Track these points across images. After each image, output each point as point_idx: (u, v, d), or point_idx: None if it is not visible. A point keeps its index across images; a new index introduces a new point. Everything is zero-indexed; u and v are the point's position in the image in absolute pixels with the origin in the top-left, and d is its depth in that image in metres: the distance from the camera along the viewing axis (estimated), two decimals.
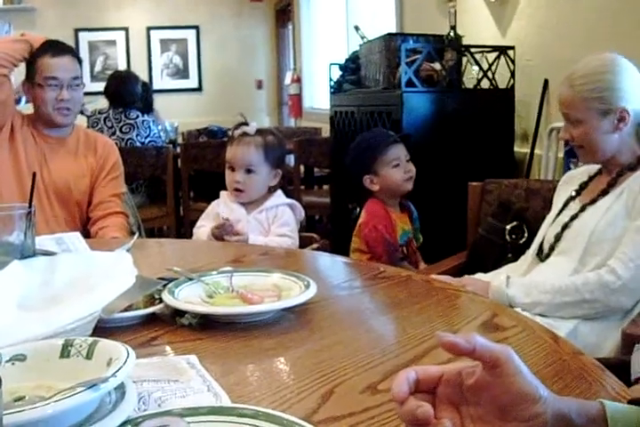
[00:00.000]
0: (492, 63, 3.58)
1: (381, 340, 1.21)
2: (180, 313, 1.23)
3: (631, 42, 2.76)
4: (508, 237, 2.41)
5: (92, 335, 1.09)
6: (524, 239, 2.39)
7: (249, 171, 2.36)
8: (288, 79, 8.73)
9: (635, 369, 1.43)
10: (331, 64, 4.50)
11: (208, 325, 1.21)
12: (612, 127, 1.90)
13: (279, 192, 2.44)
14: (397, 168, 2.65)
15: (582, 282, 1.85)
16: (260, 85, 9.55)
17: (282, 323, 1.24)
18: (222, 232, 2.24)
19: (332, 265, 1.87)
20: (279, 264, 1.70)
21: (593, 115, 1.90)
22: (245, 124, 2.42)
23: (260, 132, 2.41)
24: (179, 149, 5.07)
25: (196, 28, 9.19)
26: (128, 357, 0.83)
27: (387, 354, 1.09)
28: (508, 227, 2.41)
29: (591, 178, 2.08)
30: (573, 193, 2.10)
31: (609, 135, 1.91)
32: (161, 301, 1.27)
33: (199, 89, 9.33)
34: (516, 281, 1.97)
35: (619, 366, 1.41)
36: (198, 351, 1.08)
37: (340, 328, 1.24)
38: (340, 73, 4.35)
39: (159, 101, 6.07)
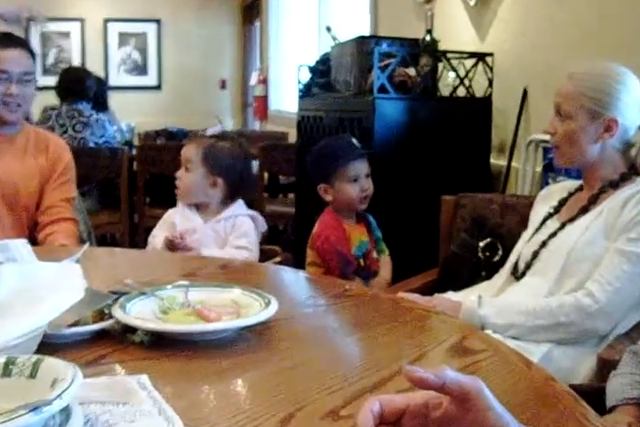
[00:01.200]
0: (470, 70, 3.62)
1: (345, 362, 1.22)
2: (131, 330, 1.22)
3: (614, 52, 2.81)
4: (481, 254, 2.43)
5: (36, 352, 1.08)
6: (497, 257, 2.41)
7: (186, 169, 2.43)
8: (254, 80, 8.73)
9: (610, 397, 1.46)
10: (300, 66, 4.51)
11: (161, 343, 1.20)
12: (596, 134, 1.94)
13: (240, 202, 2.46)
14: (354, 184, 2.60)
15: (558, 304, 1.88)
16: (223, 85, 9.55)
17: (240, 342, 1.24)
18: (173, 247, 2.26)
19: (294, 281, 1.88)
20: (238, 279, 1.70)
21: (583, 113, 1.94)
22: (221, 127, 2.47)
23: (218, 136, 2.45)
24: (135, 151, 5.05)
25: (158, 21, 9.17)
26: (74, 377, 0.82)
27: (350, 377, 1.10)
28: (482, 244, 2.43)
29: (571, 194, 2.12)
30: (552, 210, 2.13)
31: (592, 141, 1.95)
32: (111, 316, 1.26)
33: (158, 87, 9.30)
34: (488, 301, 1.98)
35: (593, 394, 1.43)
36: (150, 371, 1.07)
37: (302, 349, 1.25)
38: (310, 75, 4.37)
39: (115, 99, 6.04)
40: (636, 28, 2.76)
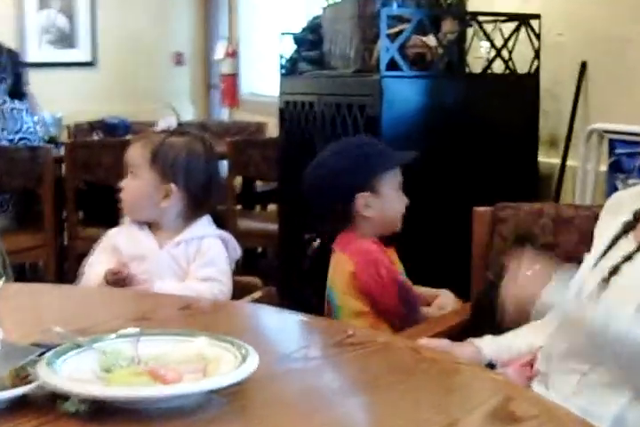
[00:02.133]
0: (509, 38, 3.64)
1: None
2: (63, 396, 1.22)
3: None
4: None
5: None
6: None
7: (132, 175, 2.45)
8: (220, 53, 8.73)
9: None
10: (282, 34, 4.53)
11: (103, 412, 1.21)
12: None
13: (205, 219, 2.46)
14: (401, 193, 2.66)
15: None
16: (179, 61, 9.54)
17: (208, 410, 1.24)
18: (116, 282, 2.26)
19: (280, 324, 1.88)
20: (205, 324, 1.70)
21: None
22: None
23: (170, 131, 2.45)
24: (62, 151, 5.03)
25: None
26: None
27: None
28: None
29: None
30: (625, 225, 2.13)
31: None
32: (36, 377, 1.26)
33: (92, 64, 9.29)
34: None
35: None
36: None
37: (289, 419, 1.25)
38: (295, 47, 4.39)
39: (35, 81, 6.03)
40: None
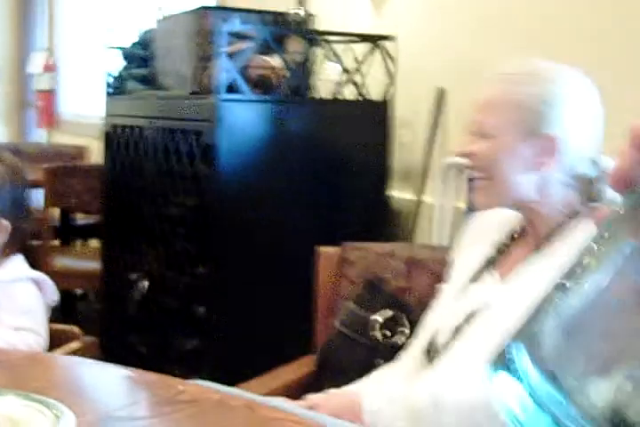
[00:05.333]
0: (362, 61, 3.70)
1: None
2: None
3: (562, 48, 2.96)
4: (378, 333, 2.48)
5: None
6: (403, 337, 2.46)
7: None
8: (36, 66, 8.63)
9: None
10: (109, 48, 4.52)
11: None
12: (531, 158, 2.02)
13: (18, 259, 2.43)
14: None
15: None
16: None
17: None
18: None
19: (101, 380, 1.87)
20: (14, 379, 1.68)
21: (514, 128, 2.02)
22: None
23: None
24: None
25: None
26: None
27: None
28: (380, 318, 2.48)
29: (513, 237, 2.18)
30: (488, 256, 2.18)
31: (525, 169, 2.03)
32: None
33: None
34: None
35: None
36: None
37: None
38: (124, 64, 4.38)
39: None
40: (587, 31, 2.92)
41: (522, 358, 0.57)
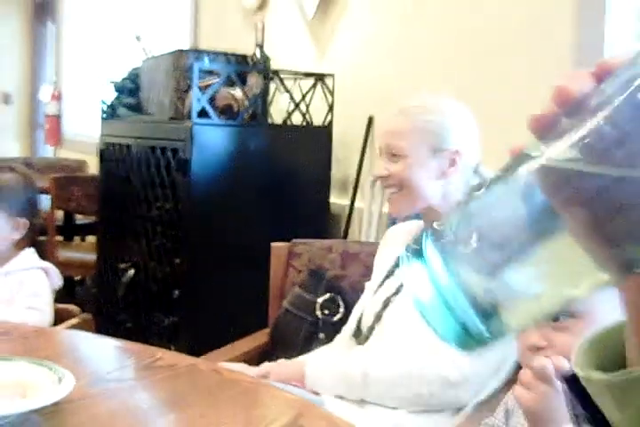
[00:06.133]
0: (307, 93, 3.71)
1: None
2: None
3: (464, 86, 2.98)
4: (319, 312, 2.48)
5: None
6: (339, 315, 2.46)
7: None
8: (45, 95, 8.56)
9: None
10: (104, 82, 4.49)
11: None
12: (439, 171, 2.05)
13: (30, 251, 2.41)
14: None
15: (418, 373, 1.94)
16: (6, 100, 9.30)
17: None
18: None
19: (95, 349, 1.86)
20: (24, 348, 1.67)
21: (422, 149, 2.05)
22: None
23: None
24: None
25: None
26: None
27: None
28: (320, 300, 2.48)
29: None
30: (397, 259, 2.20)
31: (434, 179, 2.06)
32: None
33: None
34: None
35: None
36: None
37: None
38: (116, 94, 4.35)
39: None
40: (481, 70, 2.95)
41: (429, 248, 0.57)
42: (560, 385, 1.26)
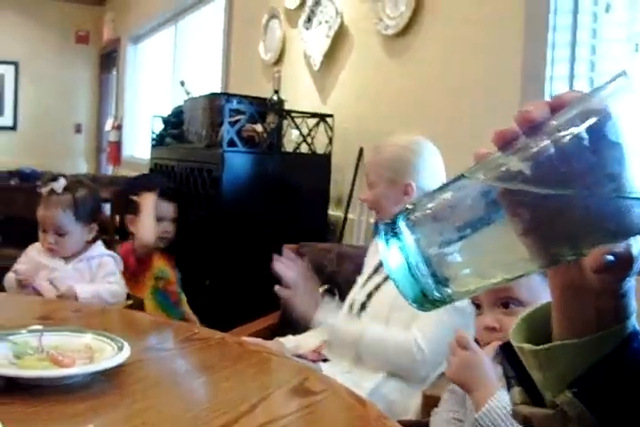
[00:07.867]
0: (312, 129, 3.71)
1: (193, 405, 1.22)
2: None
3: (428, 124, 2.99)
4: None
5: None
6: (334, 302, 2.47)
7: (60, 233, 2.32)
8: (108, 125, 8.58)
9: None
10: (153, 116, 4.49)
11: (15, 388, 1.16)
12: (397, 198, 2.07)
13: (99, 242, 2.43)
14: None
15: (402, 339, 1.93)
16: (78, 129, 9.31)
17: (94, 386, 1.21)
18: (22, 285, 2.21)
19: (145, 325, 1.85)
20: (93, 323, 1.67)
21: (384, 181, 2.08)
22: (55, 179, 2.36)
23: (69, 188, 2.35)
24: None
25: (15, 63, 8.86)
26: None
27: (199, 419, 1.10)
28: (321, 289, 2.48)
29: None
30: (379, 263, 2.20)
31: (394, 205, 2.08)
32: None
33: (13, 128, 8.95)
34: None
35: None
36: (3, 417, 1.03)
37: (153, 393, 1.24)
38: (163, 126, 4.35)
39: None
40: (452, 113, 2.95)
41: (400, 224, 0.57)
42: (482, 353, 1.28)
